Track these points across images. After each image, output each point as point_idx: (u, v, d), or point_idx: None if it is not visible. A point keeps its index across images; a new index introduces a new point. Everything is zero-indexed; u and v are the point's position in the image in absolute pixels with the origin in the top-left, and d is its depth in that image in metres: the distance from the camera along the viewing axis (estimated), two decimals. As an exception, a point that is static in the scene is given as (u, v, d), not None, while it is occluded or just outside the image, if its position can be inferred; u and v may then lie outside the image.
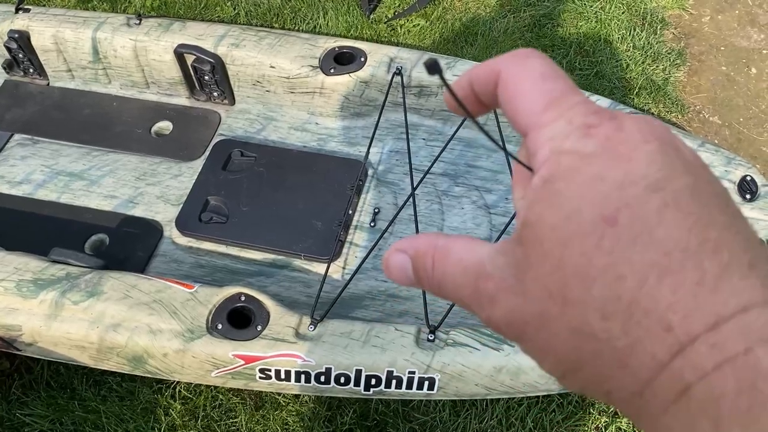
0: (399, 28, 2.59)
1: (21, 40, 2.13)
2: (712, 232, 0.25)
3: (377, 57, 1.93)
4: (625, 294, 0.24)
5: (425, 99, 1.93)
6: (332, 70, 1.94)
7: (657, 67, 2.49)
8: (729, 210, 0.26)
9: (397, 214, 1.63)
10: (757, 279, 0.24)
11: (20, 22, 2.13)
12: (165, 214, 1.89)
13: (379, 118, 1.84)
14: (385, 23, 2.60)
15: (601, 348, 0.25)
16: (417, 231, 1.58)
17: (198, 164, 1.98)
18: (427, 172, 1.71)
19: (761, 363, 0.22)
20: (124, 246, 1.84)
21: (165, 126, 2.12)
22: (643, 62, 2.49)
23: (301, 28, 2.61)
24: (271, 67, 1.96)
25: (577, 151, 0.27)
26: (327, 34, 2.54)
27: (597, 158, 0.26)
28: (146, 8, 2.75)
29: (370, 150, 1.92)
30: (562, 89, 0.29)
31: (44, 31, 2.11)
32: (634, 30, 2.58)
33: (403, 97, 1.85)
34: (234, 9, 2.71)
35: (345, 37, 2.52)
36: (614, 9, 2.64)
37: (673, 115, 2.37)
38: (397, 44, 2.35)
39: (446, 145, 1.74)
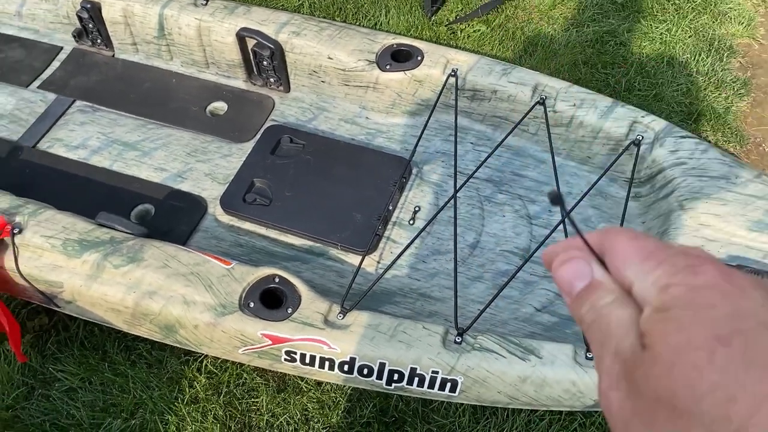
0: (459, 32, 2.58)
1: (92, 11, 2.20)
2: None
3: (434, 57, 1.94)
4: (735, 417, 0.25)
5: (477, 103, 1.92)
6: (388, 66, 1.95)
7: (719, 95, 2.42)
8: None
9: (437, 214, 1.63)
10: None
11: (94, -6, 2.21)
12: (211, 191, 1.93)
13: (429, 117, 1.84)
14: (445, 26, 2.61)
15: None
16: (455, 234, 1.58)
17: (248, 146, 2.02)
18: (471, 175, 1.70)
19: None
20: (168, 218, 1.89)
21: (220, 106, 2.16)
22: (705, 89, 2.43)
23: (362, 23, 2.64)
24: (329, 58, 1.99)
25: (687, 284, 0.29)
26: (387, 32, 2.55)
27: (707, 290, 0.28)
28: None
29: (417, 149, 1.92)
30: (655, 244, 0.32)
31: (115, 4, 2.18)
32: (699, 55, 2.52)
33: (455, 100, 1.85)
34: (298, 1, 2.75)
35: (405, 35, 2.52)
36: (681, 32, 2.59)
37: (731, 145, 2.31)
38: (456, 47, 2.35)
39: (493, 150, 1.73)
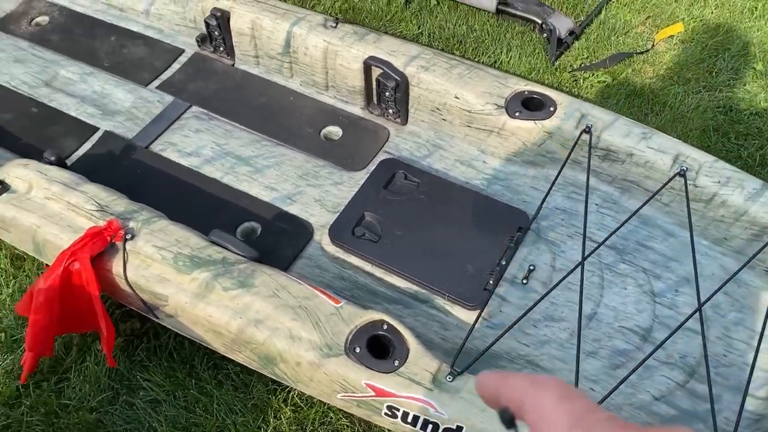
0: (582, 81, 2.48)
1: (221, 19, 2.21)
2: None
3: (568, 110, 1.84)
4: None
5: (609, 164, 1.82)
6: (518, 114, 1.86)
7: None
8: None
9: (562, 280, 1.53)
10: None
11: (224, 2, 2.21)
12: (319, 218, 1.88)
13: (558, 173, 1.75)
14: (569, 72, 2.51)
15: None
16: (580, 308, 1.47)
17: (359, 176, 1.97)
18: (601, 244, 1.60)
19: None
20: (274, 239, 1.85)
21: (335, 131, 2.12)
22: None
23: (482, 59, 2.57)
24: (456, 97, 1.92)
25: None
26: (507, 71, 2.47)
27: None
28: (334, 9, 2.79)
29: (534, 203, 1.83)
30: (582, 406, 0.32)
31: (245, 15, 2.18)
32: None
33: (589, 159, 1.75)
34: (418, 28, 2.70)
35: (526, 78, 2.44)
36: (822, 108, 2.41)
37: None
38: (579, 96, 2.25)
39: (627, 219, 1.62)
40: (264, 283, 1.51)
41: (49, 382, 1.78)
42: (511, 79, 1.94)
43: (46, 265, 1.84)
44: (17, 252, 2.03)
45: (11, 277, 1.99)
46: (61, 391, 1.77)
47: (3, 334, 1.85)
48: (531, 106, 1.88)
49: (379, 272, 1.76)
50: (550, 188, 1.72)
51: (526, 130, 1.86)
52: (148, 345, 1.84)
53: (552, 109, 1.86)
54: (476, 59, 2.57)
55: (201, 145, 2.07)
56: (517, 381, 0.36)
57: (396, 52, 1.99)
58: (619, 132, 1.78)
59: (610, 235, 1.60)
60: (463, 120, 1.95)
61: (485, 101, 1.90)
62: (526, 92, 1.90)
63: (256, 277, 1.51)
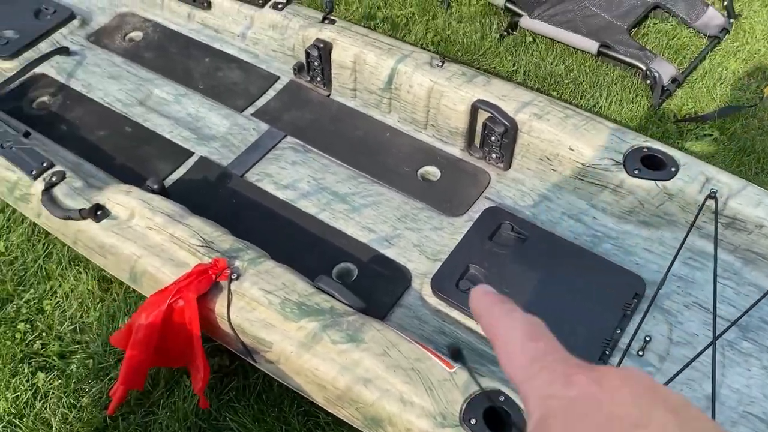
0: (687, 132, 2.38)
1: (323, 50, 2.17)
2: None
3: (691, 172, 1.75)
4: None
5: (733, 232, 1.71)
6: (637, 172, 1.77)
7: None
8: None
9: (693, 360, 1.43)
10: None
11: (328, 33, 2.17)
12: (417, 264, 1.82)
13: (684, 240, 1.65)
14: (673, 122, 2.40)
15: None
16: (714, 390, 1.37)
17: (459, 222, 1.90)
18: (733, 323, 1.49)
19: None
20: (370, 284, 1.79)
21: (433, 172, 2.06)
22: None
23: (580, 103, 2.48)
24: (570, 149, 1.84)
25: (562, 396, 0.31)
26: (607, 117, 2.38)
27: (580, 401, 0.30)
28: (426, 41, 2.74)
29: (650, 266, 1.74)
30: (548, 350, 0.34)
31: (348, 49, 2.13)
32: None
33: (716, 228, 1.65)
34: (513, 65, 2.63)
35: (627, 126, 2.35)
36: None
37: None
38: (681, 148, 2.15)
39: (761, 298, 1.52)
40: (374, 339, 1.44)
41: (136, 415, 1.74)
42: (628, 134, 1.85)
43: (139, 293, 1.81)
44: (105, 274, 2.01)
45: (98, 300, 1.97)
46: (147, 426, 1.73)
47: (91, 361, 1.82)
48: (650, 164, 1.79)
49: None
50: (675, 257, 1.62)
51: (645, 189, 1.77)
52: (236, 383, 1.79)
53: (673, 169, 1.76)
54: (573, 102, 2.49)
55: (297, 178, 2.03)
56: (496, 311, 0.38)
57: (506, 97, 1.92)
58: (749, 201, 1.68)
59: (743, 314, 1.50)
60: (575, 172, 1.87)
61: (602, 155, 1.81)
62: (645, 149, 1.81)
63: (365, 332, 1.45)
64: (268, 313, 1.51)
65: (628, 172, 1.78)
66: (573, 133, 1.84)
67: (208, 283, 1.55)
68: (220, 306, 1.55)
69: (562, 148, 1.85)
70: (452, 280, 1.73)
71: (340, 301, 1.53)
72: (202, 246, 1.63)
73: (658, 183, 1.75)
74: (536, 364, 0.33)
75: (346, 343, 1.43)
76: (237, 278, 1.56)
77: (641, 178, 1.77)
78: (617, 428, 0.28)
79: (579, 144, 1.83)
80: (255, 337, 1.52)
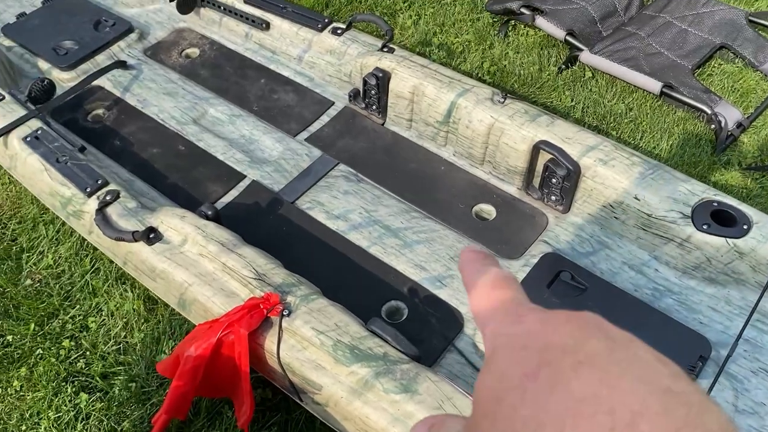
0: (752, 181, 2.29)
1: (381, 79, 2.13)
2: (624, 382, 0.26)
3: (764, 230, 1.67)
4: None
5: (807, 298, 1.63)
6: (705, 227, 1.70)
7: None
8: (650, 371, 0.27)
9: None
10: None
11: (387, 63, 2.14)
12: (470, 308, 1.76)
13: (757, 304, 1.57)
14: (739, 170, 2.32)
15: None
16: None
17: (515, 265, 1.84)
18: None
19: None
20: (421, 325, 1.74)
21: (488, 210, 2.00)
22: None
23: (638, 144, 2.41)
24: (636, 198, 1.77)
25: (509, 333, 0.32)
26: (667, 162, 2.31)
27: (523, 335, 0.31)
28: (482, 70, 2.70)
29: (713, 325, 1.66)
30: (507, 296, 0.35)
31: (407, 79, 2.10)
32: None
33: (790, 291, 1.57)
34: (571, 100, 2.57)
35: (689, 173, 2.27)
36: None
37: None
38: (757, 205, 2.06)
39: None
40: (428, 391, 1.39)
41: (176, 444, 1.71)
42: (698, 186, 1.78)
43: (184, 317, 1.79)
44: (150, 294, 1.99)
45: (143, 321, 1.95)
46: (187, 456, 1.70)
47: (133, 384, 1.80)
48: (720, 219, 1.71)
49: (537, 382, 1.62)
50: (747, 321, 1.54)
51: (714, 246, 1.69)
52: (279, 418, 1.75)
53: (745, 226, 1.68)
54: (632, 142, 2.42)
55: (349, 209, 1.99)
56: (476, 264, 0.39)
57: (571, 140, 1.86)
58: (827, 265, 1.60)
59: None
60: (639, 222, 1.80)
61: (669, 207, 1.74)
62: (715, 203, 1.73)
63: (419, 383, 1.40)
64: (319, 354, 1.47)
65: (696, 227, 1.71)
66: (639, 181, 1.78)
67: (259, 318, 1.52)
68: (269, 342, 1.52)
69: (627, 196, 1.78)
70: (507, 329, 1.67)
71: (394, 347, 1.48)
72: (254, 278, 1.60)
73: (729, 241, 1.67)
74: (497, 309, 0.34)
75: (399, 393, 1.38)
76: (288, 315, 1.52)
77: (710, 234, 1.69)
78: (550, 356, 0.28)
79: (645, 193, 1.76)
80: (304, 378, 1.48)
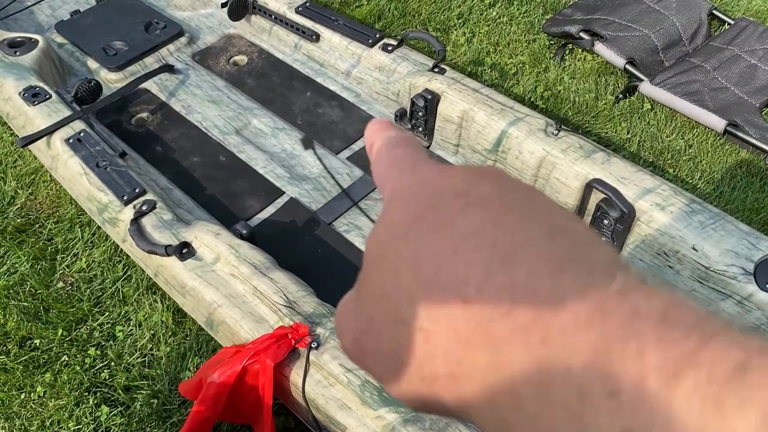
0: (819, 234, 2.14)
1: (430, 101, 2.06)
2: (511, 218, 0.26)
3: (835, 295, 1.54)
4: (425, 276, 0.26)
5: None
6: (769, 286, 1.58)
7: None
8: (541, 212, 0.26)
9: None
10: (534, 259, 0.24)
11: (437, 85, 2.07)
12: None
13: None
14: (804, 221, 2.17)
15: (410, 332, 0.26)
16: None
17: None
18: None
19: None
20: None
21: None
22: None
23: (696, 184, 2.28)
24: (693, 248, 1.66)
25: (402, 182, 0.31)
26: (727, 206, 2.18)
27: (416, 184, 0.30)
28: (535, 95, 2.60)
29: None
30: (405, 153, 0.33)
31: (457, 104, 2.02)
32: None
33: None
34: (627, 132, 2.45)
35: (750, 220, 2.14)
36: None
37: None
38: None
39: None
40: (457, 442, 1.31)
41: (193, 467, 1.66)
42: (763, 241, 1.65)
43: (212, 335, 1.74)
44: (180, 306, 1.95)
45: (170, 334, 1.91)
46: (203, 481, 1.65)
47: (155, 401, 1.76)
48: (786, 278, 1.59)
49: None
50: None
51: (777, 307, 1.57)
52: (299, 450, 1.69)
53: (815, 286, 1.56)
54: (691, 182, 2.29)
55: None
56: (381, 131, 0.36)
57: (627, 180, 1.76)
58: None
59: None
60: (695, 274, 1.68)
61: (730, 262, 1.62)
62: (781, 260, 1.61)
63: (449, 434, 1.32)
64: (346, 393, 1.40)
65: (758, 285, 1.59)
66: (699, 231, 1.66)
67: (287, 349, 1.46)
68: (295, 375, 1.46)
69: (684, 245, 1.67)
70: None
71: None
72: (284, 305, 1.54)
73: (794, 303, 1.55)
74: (393, 166, 0.33)
75: (427, 444, 1.31)
76: (317, 347, 1.46)
77: (775, 294, 1.57)
78: (439, 201, 0.27)
79: (704, 245, 1.65)
80: (329, 416, 1.42)
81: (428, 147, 2.17)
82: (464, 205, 0.27)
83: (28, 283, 2.03)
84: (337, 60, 2.40)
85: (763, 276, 1.59)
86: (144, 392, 1.78)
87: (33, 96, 2.08)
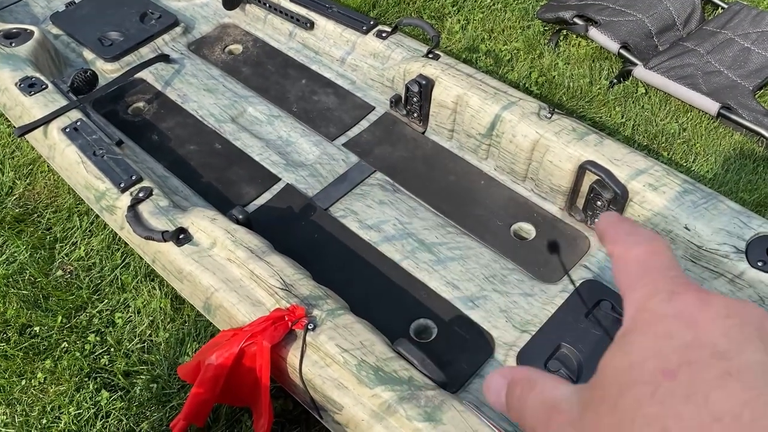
0: (812, 214, 2.16)
1: (424, 87, 2.07)
2: None
3: (825, 272, 1.56)
4: None
5: None
6: (761, 264, 1.59)
7: None
8: None
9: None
10: None
11: (431, 70, 2.08)
12: (502, 332, 1.69)
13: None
14: (797, 202, 2.19)
15: None
16: None
17: (553, 290, 1.76)
18: None
19: None
20: (449, 347, 1.67)
21: (527, 229, 1.93)
22: None
23: (691, 167, 2.29)
24: (686, 228, 1.67)
25: (656, 311, 0.28)
26: (721, 188, 2.19)
27: (672, 319, 0.27)
28: (530, 81, 2.61)
29: None
30: (660, 263, 0.31)
31: (451, 88, 2.03)
32: None
33: None
34: (622, 116, 2.47)
35: (743, 200, 2.15)
36: None
37: None
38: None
39: None
40: (453, 420, 1.33)
41: (194, 450, 1.69)
42: (755, 220, 1.67)
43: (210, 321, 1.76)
44: (178, 293, 1.97)
45: (169, 320, 1.93)
46: (203, 463, 1.67)
47: (155, 385, 1.78)
48: (777, 255, 1.60)
49: (568, 417, 1.54)
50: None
51: (768, 284, 1.59)
52: (299, 430, 1.71)
53: (805, 266, 1.57)
54: (685, 165, 2.30)
55: (383, 220, 1.94)
56: (623, 227, 0.34)
57: (619, 161, 1.77)
58: None
59: None
60: (688, 254, 1.70)
61: (722, 241, 1.64)
62: (773, 239, 1.62)
63: (444, 411, 1.34)
64: (342, 372, 1.42)
65: (750, 263, 1.60)
66: (691, 210, 1.68)
67: (283, 330, 1.48)
68: (292, 356, 1.48)
69: (677, 225, 1.69)
70: (541, 359, 1.59)
71: (420, 371, 1.42)
72: (281, 288, 1.55)
73: (785, 280, 1.57)
74: (645, 276, 0.31)
75: (422, 422, 1.32)
76: (313, 329, 1.48)
77: (766, 271, 1.59)
78: (695, 356, 0.25)
79: (696, 224, 1.66)
80: (325, 396, 1.44)
81: (423, 133, 2.19)
82: (724, 375, 0.24)
83: (28, 272, 2.04)
84: (331, 47, 2.41)
85: (755, 254, 1.61)
86: (143, 377, 1.80)
87: (29, 86, 2.09)
